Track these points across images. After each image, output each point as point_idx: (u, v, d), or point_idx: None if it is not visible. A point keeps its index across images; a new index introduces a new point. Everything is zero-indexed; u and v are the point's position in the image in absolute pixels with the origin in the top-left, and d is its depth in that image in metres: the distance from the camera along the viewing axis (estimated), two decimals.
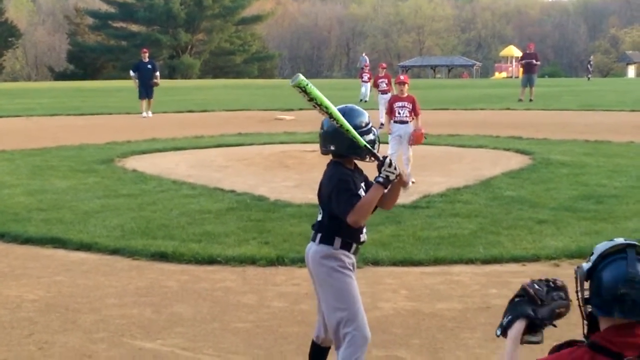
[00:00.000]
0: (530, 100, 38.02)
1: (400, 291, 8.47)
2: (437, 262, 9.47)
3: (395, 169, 5.15)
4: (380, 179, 5.16)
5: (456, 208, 12.49)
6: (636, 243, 3.54)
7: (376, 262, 9.42)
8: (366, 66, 45.58)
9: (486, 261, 9.48)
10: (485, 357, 6.53)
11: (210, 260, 9.60)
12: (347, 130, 5.17)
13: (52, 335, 7.18)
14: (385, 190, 5.20)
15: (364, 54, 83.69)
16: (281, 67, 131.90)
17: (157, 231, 11.13)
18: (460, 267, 9.35)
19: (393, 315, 7.67)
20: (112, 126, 28.71)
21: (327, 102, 5.16)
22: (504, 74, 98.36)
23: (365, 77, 41.91)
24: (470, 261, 9.48)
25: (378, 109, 27.95)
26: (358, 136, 5.19)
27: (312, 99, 5.14)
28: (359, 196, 5.18)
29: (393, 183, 5.23)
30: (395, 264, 9.43)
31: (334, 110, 5.18)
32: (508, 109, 35.33)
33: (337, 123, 5.19)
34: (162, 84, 35.83)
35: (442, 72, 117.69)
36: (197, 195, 13.83)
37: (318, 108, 5.19)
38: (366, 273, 9.08)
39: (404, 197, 13.07)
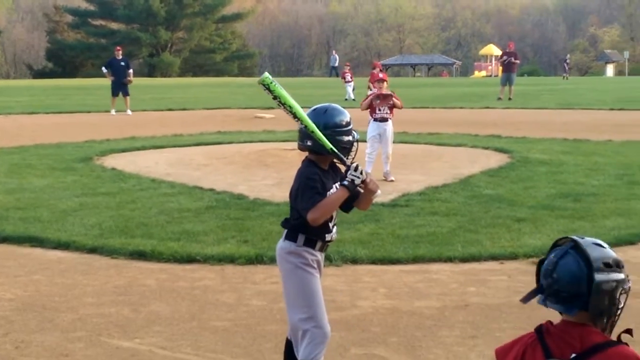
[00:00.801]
0: (510, 99, 38.18)
1: (379, 289, 8.48)
2: (415, 260, 9.49)
3: (361, 174, 5.16)
4: (345, 182, 5.18)
5: (435, 206, 12.52)
6: (582, 239, 3.55)
7: (355, 261, 9.43)
8: (347, 65, 45.72)
9: (464, 259, 9.51)
10: (463, 355, 6.55)
11: (189, 259, 9.58)
12: (313, 131, 5.17)
13: (29, 334, 7.15)
14: (349, 193, 5.21)
15: (334, 53, 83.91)
16: (261, 65, 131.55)
17: (136, 230, 11.10)
18: (439, 265, 9.37)
19: (372, 314, 7.68)
20: (91, 124, 28.58)
21: (292, 101, 5.18)
22: (483, 73, 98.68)
23: (348, 76, 42.06)
24: (448, 259, 9.50)
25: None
26: (323, 138, 5.18)
27: (276, 97, 5.16)
28: (323, 195, 5.18)
29: (359, 188, 5.25)
30: (374, 262, 9.45)
31: (299, 110, 5.19)
32: (487, 107, 35.48)
33: (301, 124, 5.20)
34: (142, 82, 35.93)
35: (422, 70, 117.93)
36: (176, 194, 13.80)
37: (282, 107, 5.20)
38: (345, 271, 9.11)
39: (383, 196, 13.10)
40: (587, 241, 3.56)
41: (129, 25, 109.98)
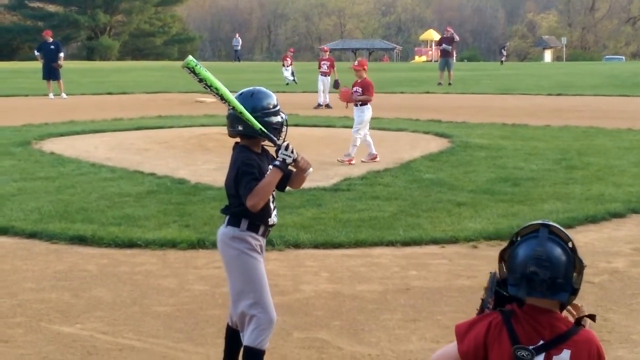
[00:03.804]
0: (450, 83, 38.39)
1: (321, 273, 8.51)
2: (357, 244, 9.54)
3: (292, 152, 5.18)
4: (277, 163, 5.19)
5: (376, 191, 12.58)
6: (551, 223, 3.59)
7: (297, 245, 9.46)
8: (290, 51, 45.60)
9: (406, 243, 9.58)
10: (405, 338, 6.60)
11: (130, 244, 9.53)
12: (241, 112, 5.17)
13: None
14: (282, 173, 5.21)
15: (237, 36, 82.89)
16: (202, 49, 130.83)
17: (76, 214, 10.99)
18: (381, 249, 9.43)
19: (314, 298, 7.70)
20: (28, 108, 28.20)
21: (218, 83, 5.17)
22: (423, 58, 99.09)
23: (288, 61, 42.00)
24: (390, 243, 9.57)
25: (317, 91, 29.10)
26: (252, 119, 5.20)
27: (201, 80, 5.14)
28: (260, 180, 5.17)
29: (291, 167, 5.27)
30: (316, 246, 9.48)
31: (226, 92, 5.18)
32: (428, 92, 35.66)
33: (229, 105, 5.19)
34: (81, 65, 35.46)
35: (363, 55, 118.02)
36: (116, 179, 13.69)
37: (209, 90, 5.18)
38: (287, 255, 9.12)
39: (325, 180, 13.14)
40: (554, 225, 3.59)
41: (67, 7, 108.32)
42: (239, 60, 79.73)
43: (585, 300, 7.51)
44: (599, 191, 12.44)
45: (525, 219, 3.54)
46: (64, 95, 32.39)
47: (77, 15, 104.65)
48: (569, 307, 3.65)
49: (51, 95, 32.26)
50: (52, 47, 33.36)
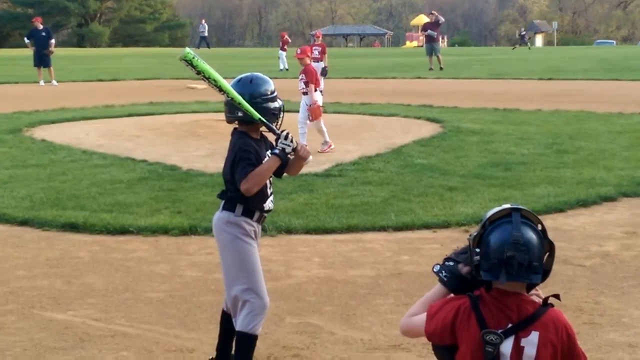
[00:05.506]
0: (441, 68, 38.30)
1: (313, 259, 8.52)
2: (349, 229, 9.56)
3: (291, 141, 5.20)
4: (277, 151, 5.21)
5: (368, 176, 12.59)
6: (522, 207, 3.61)
7: (289, 230, 9.47)
8: (285, 34, 45.41)
9: (398, 228, 9.59)
10: (397, 322, 6.56)
11: (122, 231, 9.52)
12: (240, 103, 5.18)
13: None
14: (280, 162, 5.23)
15: (203, 21, 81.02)
16: (192, 35, 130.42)
17: (67, 201, 10.98)
18: (373, 234, 9.44)
19: (306, 283, 7.71)
20: (19, 95, 28.09)
21: (215, 74, 5.17)
22: (415, 43, 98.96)
23: (285, 46, 41.98)
24: (382, 228, 9.58)
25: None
26: (251, 109, 5.20)
27: (199, 72, 5.14)
28: (256, 166, 5.18)
29: (290, 155, 5.28)
30: (308, 232, 9.49)
31: (224, 83, 5.18)
32: (419, 77, 35.57)
33: (227, 96, 5.19)
34: (72, 52, 35.22)
35: (354, 41, 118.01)
36: (108, 165, 13.67)
37: (207, 81, 5.18)
38: (279, 241, 9.13)
39: (317, 166, 13.14)
40: (524, 208, 3.60)
41: None
42: (208, 47, 76.80)
43: (578, 283, 7.55)
44: (590, 175, 12.47)
45: (517, 203, 3.57)
46: (54, 82, 32.29)
47: (67, 2, 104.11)
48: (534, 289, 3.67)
49: (42, 83, 32.16)
50: (43, 34, 33.24)
